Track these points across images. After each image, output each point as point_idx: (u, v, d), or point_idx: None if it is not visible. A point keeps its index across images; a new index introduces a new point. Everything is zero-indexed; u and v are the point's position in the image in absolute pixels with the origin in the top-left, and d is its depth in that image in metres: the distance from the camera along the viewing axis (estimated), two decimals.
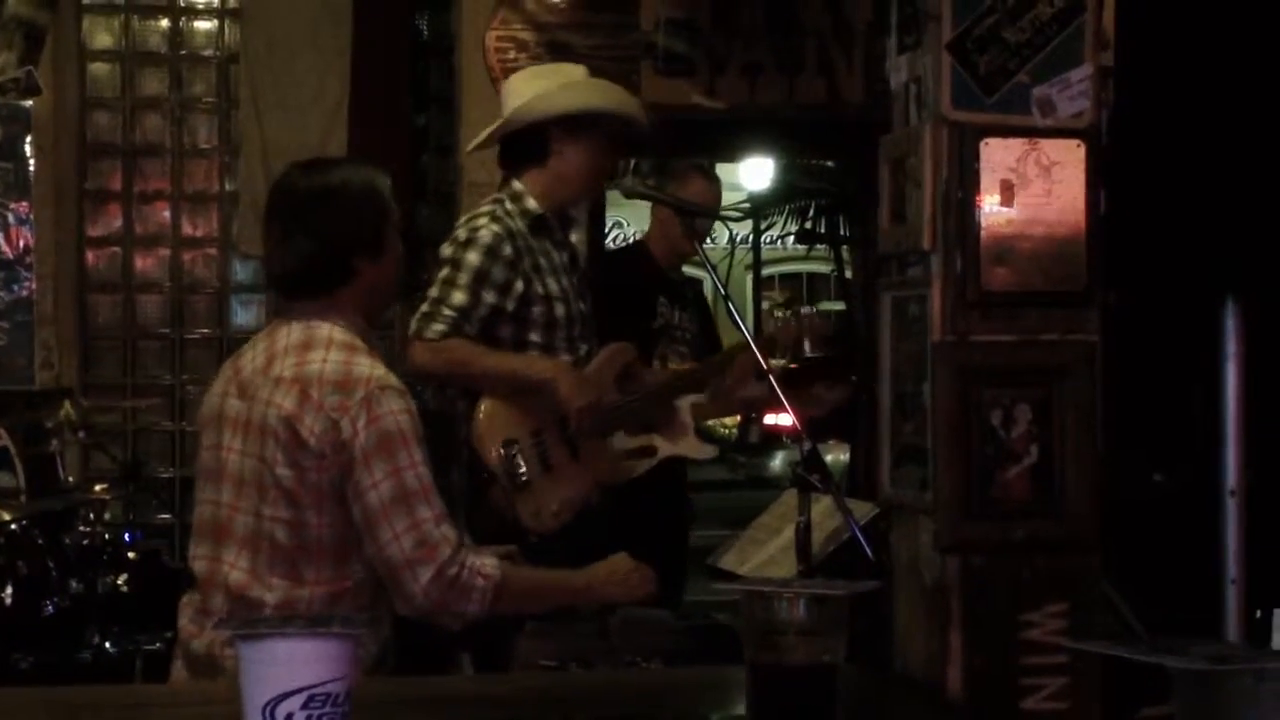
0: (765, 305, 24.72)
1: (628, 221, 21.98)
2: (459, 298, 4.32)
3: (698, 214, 5.16)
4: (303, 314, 3.21)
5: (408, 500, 3.05)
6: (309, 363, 3.10)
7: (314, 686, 1.75)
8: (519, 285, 4.38)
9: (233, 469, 3.14)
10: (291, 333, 3.18)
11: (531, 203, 4.48)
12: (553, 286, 4.45)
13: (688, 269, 5.88)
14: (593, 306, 4.69)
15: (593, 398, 4.37)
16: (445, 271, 4.36)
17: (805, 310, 5.34)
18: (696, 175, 5.84)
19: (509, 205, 4.48)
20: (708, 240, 4.90)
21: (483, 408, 4.33)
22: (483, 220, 4.43)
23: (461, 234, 4.43)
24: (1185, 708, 1.63)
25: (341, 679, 1.77)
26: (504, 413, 4.34)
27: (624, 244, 13.41)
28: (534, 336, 4.42)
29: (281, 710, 1.75)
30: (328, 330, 3.16)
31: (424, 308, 4.36)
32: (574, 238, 4.68)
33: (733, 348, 5.25)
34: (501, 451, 4.30)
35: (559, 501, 4.34)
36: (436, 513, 3.09)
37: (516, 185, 4.52)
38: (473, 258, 4.34)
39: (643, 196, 4.76)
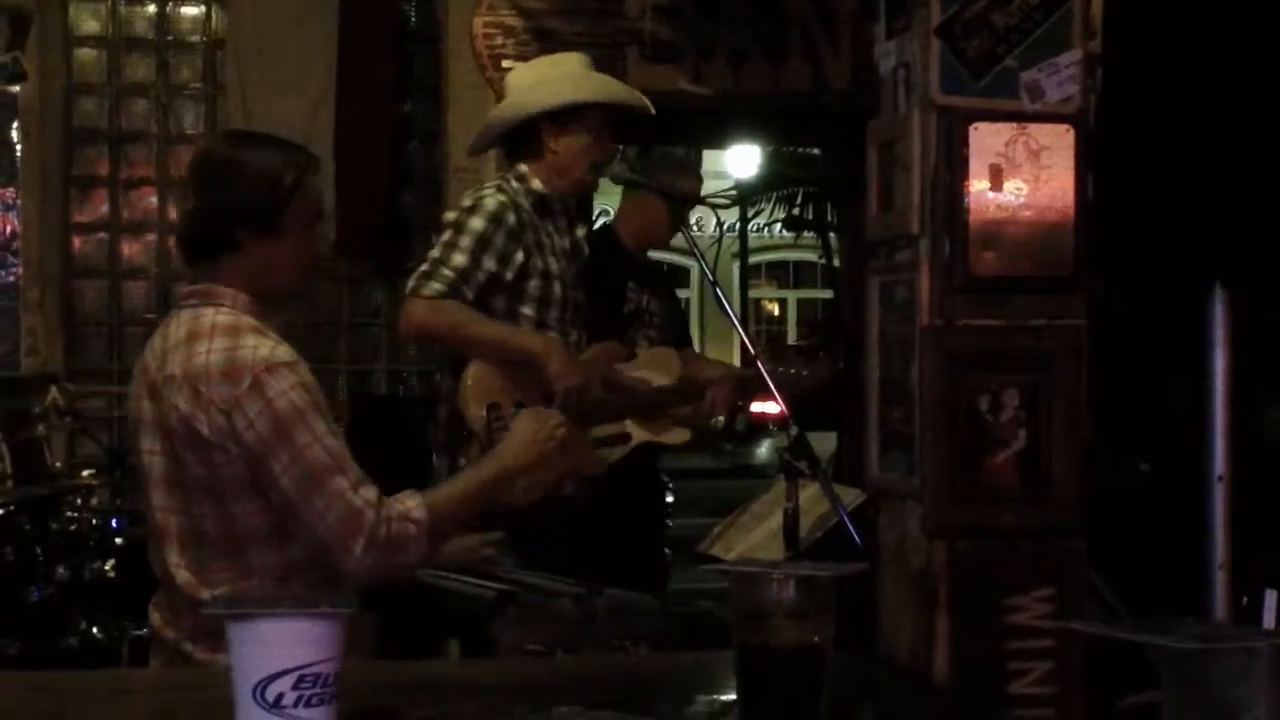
0: (752, 293, 24.73)
1: (614, 210, 21.99)
2: (459, 260, 4.34)
3: (687, 200, 5.17)
4: (190, 299, 3.18)
5: (319, 478, 3.01)
6: (195, 356, 3.06)
7: (304, 667, 1.75)
8: (519, 256, 4.41)
9: (158, 472, 3.14)
10: (180, 325, 3.13)
11: (536, 183, 4.52)
12: (553, 265, 4.48)
13: (669, 256, 5.88)
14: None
15: (582, 379, 4.39)
16: (448, 235, 4.39)
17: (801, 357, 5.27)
18: (688, 174, 5.81)
19: (514, 183, 4.51)
20: (695, 229, 4.88)
21: (471, 370, 4.36)
22: (489, 190, 4.48)
23: (467, 201, 4.48)
24: (1175, 688, 1.63)
25: (331, 659, 1.77)
26: (491, 378, 4.36)
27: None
28: (527, 310, 4.44)
29: (272, 691, 1.75)
30: (210, 316, 3.11)
31: (423, 267, 4.38)
32: (579, 232, 4.69)
33: (720, 372, 5.22)
34: (485, 414, 4.31)
35: (530, 479, 4.34)
36: (352, 480, 3.05)
37: (521, 167, 4.54)
38: (476, 223, 4.37)
39: (632, 183, 4.76)
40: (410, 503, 3.12)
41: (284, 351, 3.08)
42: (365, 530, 3.02)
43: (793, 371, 4.98)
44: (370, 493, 3.06)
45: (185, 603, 3.11)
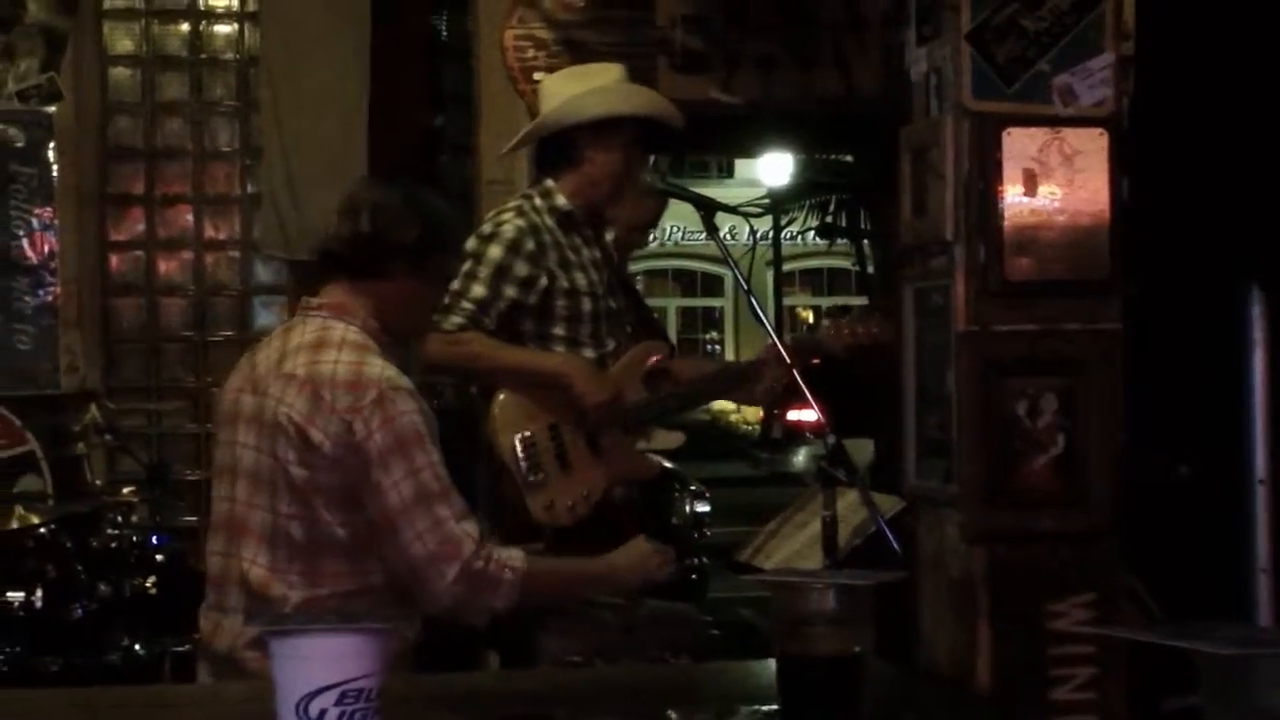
0: (786, 301, 24.72)
1: None
2: (478, 291, 4.32)
3: (718, 209, 5.15)
4: (320, 310, 3.23)
5: (428, 500, 3.07)
6: (321, 363, 3.12)
7: (347, 682, 1.75)
8: (542, 280, 4.38)
9: (247, 465, 3.17)
10: (306, 331, 3.20)
11: (561, 199, 4.48)
12: (580, 281, 4.45)
13: (703, 265, 5.85)
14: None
15: (609, 394, 4.37)
16: (467, 265, 4.37)
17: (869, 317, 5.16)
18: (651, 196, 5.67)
19: (538, 201, 4.49)
20: (728, 237, 4.80)
21: (499, 400, 4.33)
22: (507, 215, 4.44)
23: (486, 228, 4.44)
24: (1213, 692, 1.62)
25: (373, 674, 1.78)
26: (520, 406, 4.34)
27: None
28: (558, 330, 4.42)
29: (315, 706, 1.75)
30: (341, 330, 3.19)
31: (443, 300, 4.37)
32: (609, 236, 4.67)
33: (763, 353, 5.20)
34: (516, 445, 4.30)
35: (574, 496, 4.33)
36: (457, 510, 3.11)
37: (548, 183, 4.52)
38: (494, 252, 4.35)
39: (662, 193, 4.75)
40: (513, 552, 3.18)
41: (407, 381, 3.17)
42: (462, 559, 3.08)
43: (855, 329, 4.88)
44: (473, 527, 3.13)
45: (252, 599, 3.12)
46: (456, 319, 4.30)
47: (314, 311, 3.26)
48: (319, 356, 3.14)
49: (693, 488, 7.21)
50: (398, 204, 3.26)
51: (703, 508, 7.28)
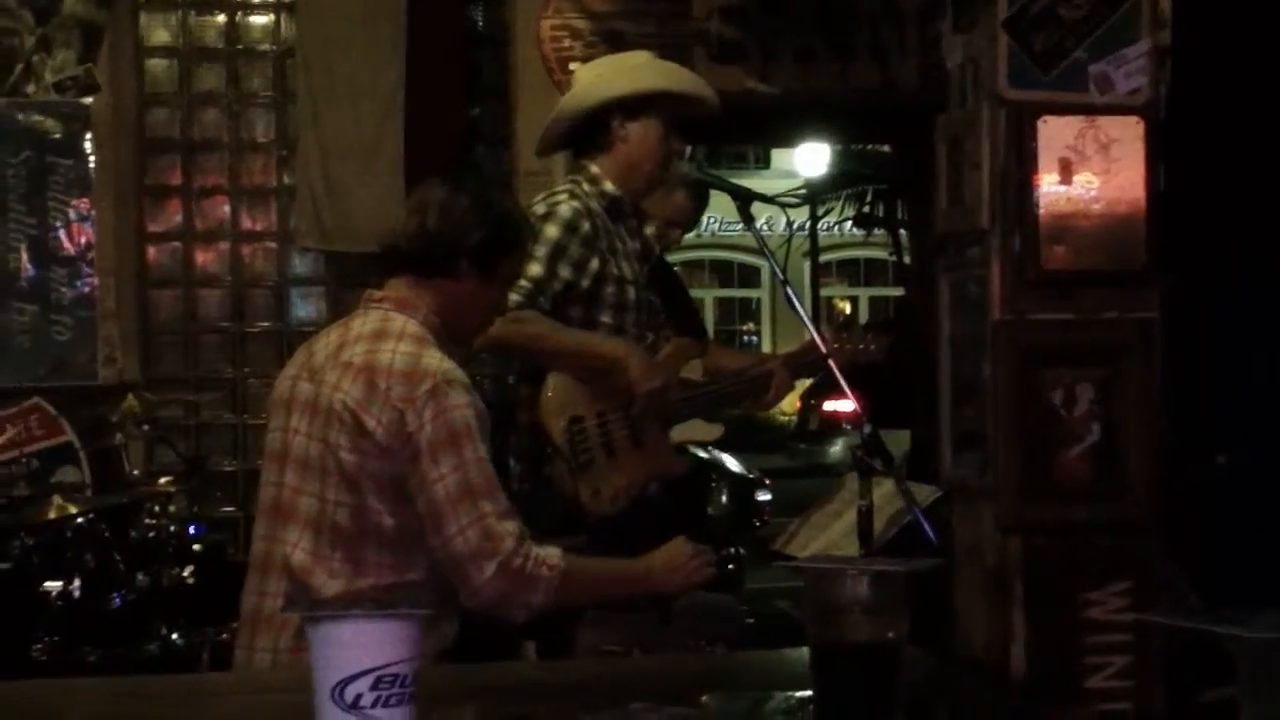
0: (823, 291, 24.65)
1: None
2: (534, 270, 4.28)
3: (754, 199, 5.15)
4: (383, 303, 3.26)
5: (472, 494, 3.09)
6: (379, 352, 3.15)
7: (382, 668, 1.76)
8: (594, 263, 4.35)
9: (298, 451, 3.19)
10: (368, 321, 3.24)
11: (609, 184, 4.46)
12: (626, 270, 4.44)
13: (741, 256, 5.84)
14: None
15: (661, 382, 4.36)
16: None
17: (864, 334, 5.23)
18: (681, 189, 5.69)
19: (586, 186, 4.46)
20: (765, 227, 4.75)
21: (551, 383, 4.32)
22: (561, 196, 4.41)
23: (540, 208, 4.39)
24: (1250, 678, 1.62)
25: (409, 659, 1.78)
26: (571, 390, 4.33)
27: None
28: (605, 318, 4.40)
29: (350, 691, 1.76)
30: (402, 323, 3.22)
31: None
32: (648, 230, 4.67)
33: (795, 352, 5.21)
34: (568, 428, 4.29)
35: (615, 487, 4.33)
36: (501, 508, 3.13)
37: (593, 168, 4.49)
38: (551, 231, 4.32)
39: (699, 183, 4.74)
40: (552, 550, 3.20)
41: (462, 375, 3.20)
42: (501, 554, 3.11)
43: (853, 345, 4.92)
44: (514, 525, 3.15)
45: (294, 584, 3.14)
46: (515, 296, 4.24)
47: (376, 304, 3.29)
48: (378, 346, 3.17)
49: (752, 476, 7.20)
50: (466, 205, 3.29)
51: (764, 496, 7.26)
